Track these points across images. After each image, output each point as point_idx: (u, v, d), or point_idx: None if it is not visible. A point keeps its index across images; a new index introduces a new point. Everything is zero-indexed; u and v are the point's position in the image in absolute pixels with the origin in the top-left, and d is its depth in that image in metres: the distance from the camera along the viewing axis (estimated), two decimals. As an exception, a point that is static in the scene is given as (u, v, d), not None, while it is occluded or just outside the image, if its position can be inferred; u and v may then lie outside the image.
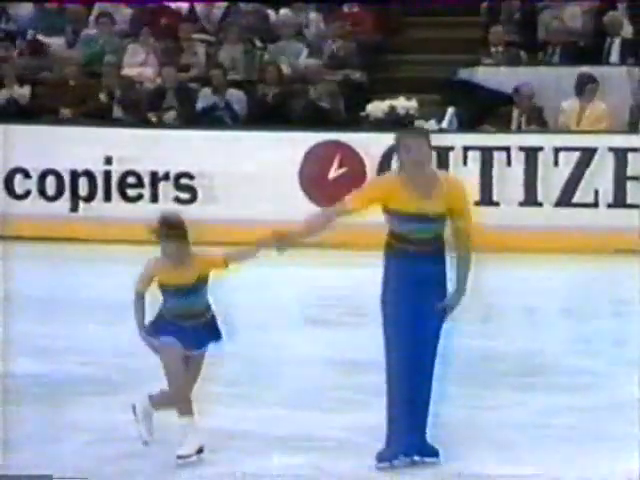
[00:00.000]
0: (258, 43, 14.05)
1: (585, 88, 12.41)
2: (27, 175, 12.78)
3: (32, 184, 12.77)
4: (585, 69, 12.76)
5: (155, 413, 5.40)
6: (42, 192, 12.83)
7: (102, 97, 13.43)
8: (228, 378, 6.75)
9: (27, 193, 12.80)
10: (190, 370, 5.45)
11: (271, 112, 12.83)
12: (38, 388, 6.40)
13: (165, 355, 5.37)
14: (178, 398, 5.36)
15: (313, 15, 14.23)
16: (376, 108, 12.82)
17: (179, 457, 5.29)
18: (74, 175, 12.75)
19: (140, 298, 5.39)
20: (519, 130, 12.76)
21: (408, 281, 5.22)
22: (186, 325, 5.37)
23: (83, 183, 12.76)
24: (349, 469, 5.15)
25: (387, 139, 12.65)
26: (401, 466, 5.13)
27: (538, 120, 12.72)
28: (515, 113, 12.73)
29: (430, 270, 5.23)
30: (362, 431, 5.50)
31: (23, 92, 13.50)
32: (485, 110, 12.98)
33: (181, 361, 5.39)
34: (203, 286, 5.37)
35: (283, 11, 14.32)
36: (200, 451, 5.32)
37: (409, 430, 5.14)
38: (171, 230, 5.33)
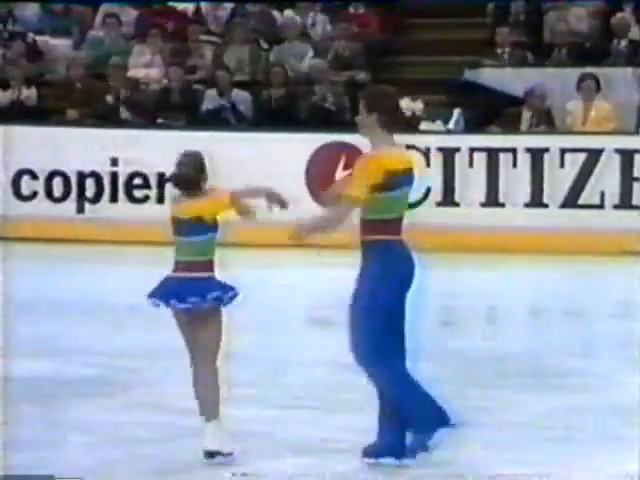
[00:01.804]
0: (264, 44, 14.07)
1: (582, 85, 12.39)
2: (34, 176, 12.80)
3: (39, 185, 12.79)
4: (591, 70, 12.75)
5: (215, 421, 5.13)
6: (49, 193, 12.85)
7: (108, 98, 13.46)
8: (242, 379, 6.77)
9: (34, 194, 12.83)
10: (198, 331, 5.11)
11: (277, 113, 12.85)
12: (40, 389, 6.41)
13: (175, 318, 5.16)
14: (196, 366, 5.10)
15: (318, 16, 14.24)
16: (382, 109, 12.81)
17: (207, 454, 5.14)
18: (81, 176, 12.77)
19: None
20: (525, 131, 12.75)
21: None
22: (187, 277, 5.09)
23: (89, 184, 12.79)
24: (361, 470, 5.16)
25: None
26: (391, 465, 5.12)
27: (547, 121, 12.71)
28: (526, 114, 12.71)
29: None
30: (373, 433, 5.51)
31: (29, 93, 13.53)
32: (492, 111, 12.98)
33: (185, 323, 5.12)
34: (204, 228, 5.12)
35: (288, 12, 14.33)
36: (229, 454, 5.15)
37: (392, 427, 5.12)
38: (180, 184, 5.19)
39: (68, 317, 8.45)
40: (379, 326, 5.10)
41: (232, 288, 5.19)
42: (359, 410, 5.84)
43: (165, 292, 5.16)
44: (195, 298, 5.10)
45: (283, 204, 5.27)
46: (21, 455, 5.16)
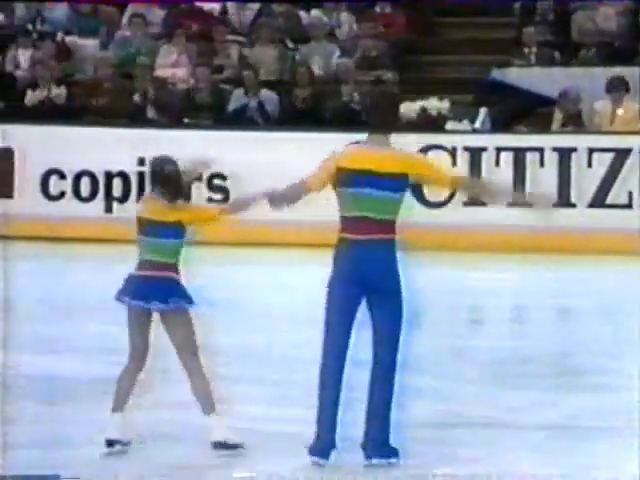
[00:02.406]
0: (290, 44, 14.08)
1: (611, 88, 12.35)
2: (62, 176, 12.85)
3: (67, 185, 12.84)
4: (619, 70, 12.68)
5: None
6: (77, 193, 12.90)
7: (135, 98, 13.50)
8: (257, 378, 6.77)
9: (62, 194, 12.88)
10: (170, 331, 5.27)
11: (303, 113, 12.85)
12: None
13: (128, 312, 5.28)
14: (132, 361, 5.25)
15: (345, 16, 14.23)
16: (408, 109, 12.80)
17: (215, 444, 5.23)
18: (108, 176, 12.81)
19: None
20: (552, 131, 12.70)
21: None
22: (150, 275, 5.23)
23: (117, 184, 12.82)
24: (379, 469, 5.15)
25: (419, 140, 12.72)
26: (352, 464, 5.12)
27: (577, 123, 12.67)
28: (558, 115, 12.66)
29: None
30: (393, 431, 5.49)
31: (58, 93, 13.59)
32: (520, 111, 12.94)
33: (139, 320, 5.26)
34: (180, 232, 5.24)
35: (315, 12, 14.33)
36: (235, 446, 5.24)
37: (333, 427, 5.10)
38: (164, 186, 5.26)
39: (101, 315, 8.47)
40: (328, 324, 5.14)
41: (189, 297, 5.32)
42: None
43: (134, 291, 5.27)
44: (158, 301, 5.25)
45: (284, 200, 5.31)
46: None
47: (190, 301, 5.33)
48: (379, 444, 5.14)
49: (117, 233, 12.39)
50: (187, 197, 5.50)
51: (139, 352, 5.35)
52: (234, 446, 5.26)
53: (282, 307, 8.91)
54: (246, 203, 5.50)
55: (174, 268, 5.31)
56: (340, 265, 5.13)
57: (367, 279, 5.09)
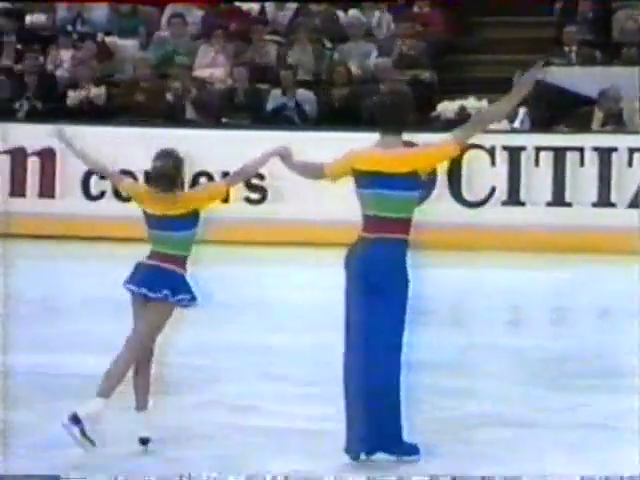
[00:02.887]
0: (328, 44, 14.07)
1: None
2: (102, 176, 12.90)
3: (107, 185, 12.92)
4: (661, 69, 12.59)
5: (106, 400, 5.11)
6: (117, 193, 12.96)
7: (174, 98, 13.55)
8: (298, 377, 6.78)
9: (102, 194, 12.95)
10: (145, 316, 5.16)
11: (340, 112, 12.85)
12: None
13: (133, 302, 5.23)
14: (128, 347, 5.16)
15: (383, 15, 14.21)
16: (446, 108, 12.78)
17: (142, 440, 5.18)
18: (147, 176, 12.86)
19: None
20: (593, 130, 12.61)
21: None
22: (154, 264, 5.20)
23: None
24: (412, 468, 5.15)
25: (458, 139, 12.65)
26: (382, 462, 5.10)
27: (618, 122, 12.57)
28: (598, 115, 12.57)
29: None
30: (427, 431, 5.48)
31: (98, 93, 13.67)
32: (560, 111, 12.86)
33: (139, 308, 5.20)
34: (189, 224, 5.21)
35: (352, 11, 14.32)
36: (144, 442, 5.20)
37: (365, 426, 5.09)
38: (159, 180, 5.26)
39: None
40: (345, 323, 5.17)
41: (193, 293, 5.27)
42: (427, 411, 5.82)
43: (138, 279, 5.22)
44: (166, 291, 5.19)
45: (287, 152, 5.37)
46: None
47: (193, 298, 5.27)
48: (388, 440, 5.13)
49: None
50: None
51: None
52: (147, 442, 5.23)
53: (312, 305, 8.92)
54: (255, 165, 5.48)
55: (182, 261, 5.25)
56: (349, 263, 5.18)
57: (372, 276, 5.11)
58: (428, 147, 5.24)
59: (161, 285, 5.19)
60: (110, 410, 5.16)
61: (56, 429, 5.17)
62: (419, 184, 5.17)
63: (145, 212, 5.30)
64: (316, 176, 5.46)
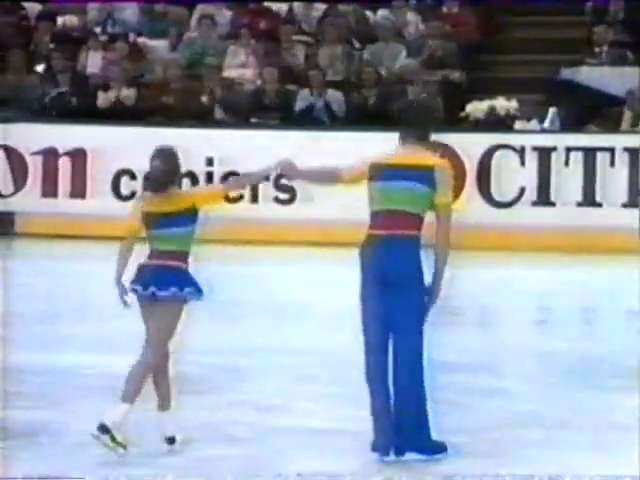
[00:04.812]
0: (357, 44, 14.07)
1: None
2: (133, 177, 12.98)
3: (137, 185, 12.96)
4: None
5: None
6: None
7: (203, 99, 13.59)
8: (323, 377, 6.78)
9: (132, 194, 13.00)
10: (157, 318, 5.16)
11: (370, 113, 12.84)
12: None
13: (140, 305, 5.20)
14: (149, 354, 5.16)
15: (412, 15, 14.18)
16: (475, 108, 12.75)
17: (168, 439, 5.21)
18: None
19: (127, 244, 5.27)
20: (623, 131, 12.55)
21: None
22: (158, 263, 5.18)
23: (185, 184, 12.91)
24: (443, 467, 5.14)
25: (487, 139, 12.64)
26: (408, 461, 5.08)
27: (647, 122, 12.52)
28: (627, 115, 12.51)
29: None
30: (457, 431, 5.48)
31: (129, 94, 13.73)
32: (591, 111, 12.80)
33: (147, 309, 5.19)
34: (188, 220, 5.21)
35: (382, 12, 14.31)
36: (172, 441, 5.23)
37: (393, 426, 5.09)
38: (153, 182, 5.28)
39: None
40: (363, 323, 5.18)
41: (199, 287, 5.26)
42: (453, 412, 5.81)
43: (144, 279, 5.22)
44: (174, 288, 5.18)
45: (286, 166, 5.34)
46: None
47: (200, 291, 5.24)
48: (416, 439, 5.13)
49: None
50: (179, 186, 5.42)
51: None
52: (174, 441, 5.25)
53: (335, 305, 8.92)
54: (256, 176, 5.48)
55: (184, 257, 5.24)
56: (364, 262, 5.18)
57: (388, 274, 5.11)
58: (450, 183, 5.20)
59: (167, 282, 5.19)
60: (134, 410, 5.18)
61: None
62: (434, 183, 5.13)
63: (143, 212, 5.29)
64: (330, 181, 5.43)
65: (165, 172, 5.24)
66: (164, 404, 5.30)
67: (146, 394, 5.23)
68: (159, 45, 14.51)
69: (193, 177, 12.87)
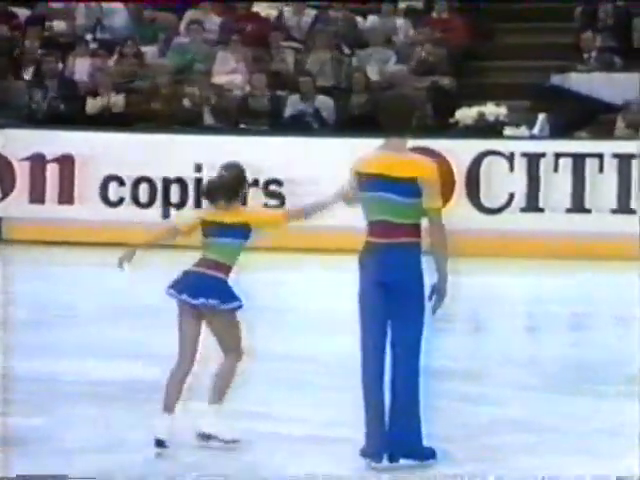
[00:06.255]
0: (346, 50, 14.06)
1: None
2: (121, 183, 12.95)
3: (126, 191, 12.93)
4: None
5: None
6: (135, 199, 12.98)
7: (192, 105, 13.56)
8: (315, 383, 6.75)
9: (121, 200, 12.97)
10: (217, 333, 5.38)
11: (359, 119, 12.83)
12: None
13: (179, 311, 5.37)
14: (182, 362, 5.32)
15: (401, 21, 14.18)
16: (465, 114, 12.75)
17: (200, 435, 5.33)
18: (166, 182, 12.89)
19: (172, 232, 5.50)
20: (611, 137, 12.56)
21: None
22: (204, 273, 5.34)
23: (175, 190, 12.89)
24: (431, 473, 5.13)
25: (476, 146, 12.64)
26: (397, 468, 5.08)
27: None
28: (621, 124, 12.52)
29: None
30: (447, 436, 5.46)
31: (117, 100, 13.70)
32: (582, 117, 12.81)
33: (186, 317, 5.35)
34: (240, 234, 5.37)
35: (371, 18, 14.30)
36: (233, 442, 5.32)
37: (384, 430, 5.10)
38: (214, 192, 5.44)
39: (160, 321, 8.52)
40: (361, 328, 5.18)
41: (239, 299, 5.44)
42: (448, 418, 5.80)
43: (182, 286, 5.37)
44: (214, 300, 5.34)
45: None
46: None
47: (240, 303, 5.42)
48: (408, 445, 5.12)
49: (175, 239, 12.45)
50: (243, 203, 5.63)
51: (188, 352, 5.38)
52: (227, 441, 5.35)
53: (329, 311, 8.91)
54: (319, 206, 5.57)
55: (228, 269, 5.42)
56: (363, 269, 5.18)
57: (388, 282, 5.11)
58: (436, 176, 5.16)
59: (207, 292, 5.34)
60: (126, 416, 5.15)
61: (54, 434, 5.14)
62: (419, 192, 5.10)
63: (202, 220, 5.45)
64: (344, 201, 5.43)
65: (230, 185, 5.43)
66: (169, 407, 5.34)
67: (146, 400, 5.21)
68: (148, 51, 14.49)
69: (182, 183, 12.85)
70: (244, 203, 5.73)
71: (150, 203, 12.92)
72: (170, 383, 5.35)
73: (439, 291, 5.13)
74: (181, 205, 12.84)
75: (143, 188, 12.93)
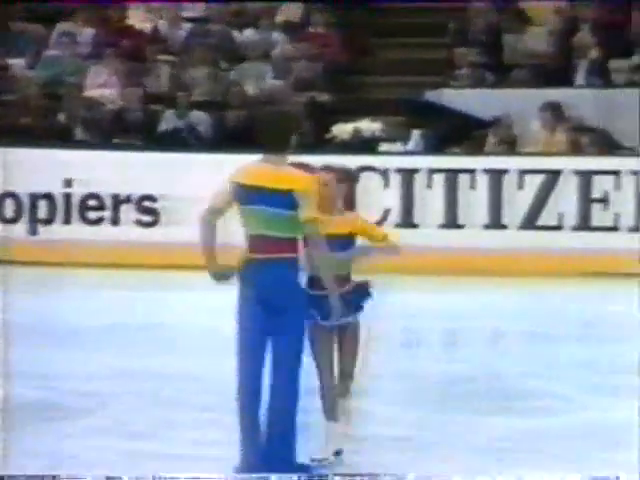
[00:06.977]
0: (223, 64, 13.97)
1: (543, 114, 12.45)
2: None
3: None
4: (551, 91, 12.76)
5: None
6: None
7: (62, 118, 13.31)
8: (190, 403, 6.65)
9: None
10: (341, 347, 5.46)
11: (236, 134, 12.75)
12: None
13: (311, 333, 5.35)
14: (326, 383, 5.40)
15: (279, 36, 14.16)
16: (341, 130, 12.79)
17: (312, 461, 5.38)
18: (33, 198, 12.60)
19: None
20: (484, 153, 12.74)
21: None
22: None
23: (42, 206, 12.61)
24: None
25: (352, 161, 12.68)
26: None
27: (511, 148, 12.73)
28: (492, 140, 12.70)
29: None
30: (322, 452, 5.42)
31: (-18, 114, 13.36)
32: (452, 133, 12.96)
33: (324, 338, 5.37)
34: (350, 244, 5.43)
35: (248, 31, 14.25)
36: (338, 453, 5.46)
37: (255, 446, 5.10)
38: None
39: (25, 340, 8.30)
40: (238, 344, 5.16)
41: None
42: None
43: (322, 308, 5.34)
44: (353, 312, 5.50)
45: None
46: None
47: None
48: (282, 462, 5.09)
49: (42, 255, 12.17)
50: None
51: (329, 369, 5.42)
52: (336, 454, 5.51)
53: (203, 329, 8.83)
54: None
55: (348, 274, 5.50)
56: (241, 285, 5.12)
57: (265, 299, 5.06)
58: (315, 189, 5.16)
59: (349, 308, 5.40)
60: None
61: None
62: (296, 205, 5.08)
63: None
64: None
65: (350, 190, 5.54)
66: (329, 416, 5.43)
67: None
68: (17, 63, 14.15)
69: (51, 199, 12.57)
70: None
71: (16, 219, 12.61)
72: (330, 393, 5.41)
73: (331, 306, 5.19)
74: (49, 221, 12.55)
75: (8, 203, 12.61)
